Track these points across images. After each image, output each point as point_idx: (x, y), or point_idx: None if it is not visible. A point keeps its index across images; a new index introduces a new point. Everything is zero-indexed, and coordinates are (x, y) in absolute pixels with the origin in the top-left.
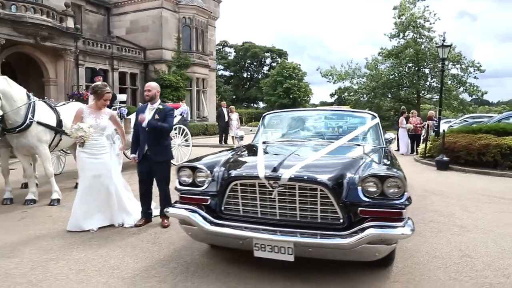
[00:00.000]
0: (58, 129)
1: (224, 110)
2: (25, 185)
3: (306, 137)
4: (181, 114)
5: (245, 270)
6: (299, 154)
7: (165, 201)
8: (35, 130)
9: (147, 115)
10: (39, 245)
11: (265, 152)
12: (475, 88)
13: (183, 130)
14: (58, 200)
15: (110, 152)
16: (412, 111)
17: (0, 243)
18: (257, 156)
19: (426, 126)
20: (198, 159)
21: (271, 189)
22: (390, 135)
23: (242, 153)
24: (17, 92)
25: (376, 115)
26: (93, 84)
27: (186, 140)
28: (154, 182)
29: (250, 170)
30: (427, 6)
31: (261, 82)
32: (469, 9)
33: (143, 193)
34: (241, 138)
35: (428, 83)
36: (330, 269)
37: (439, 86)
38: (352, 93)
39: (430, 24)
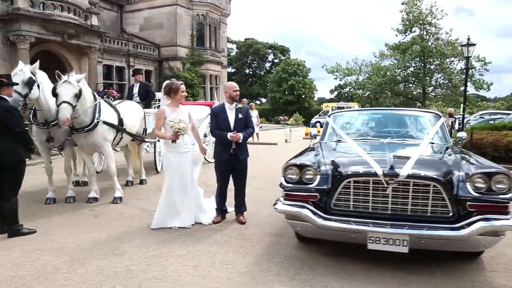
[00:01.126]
0: (120, 128)
1: None
2: (76, 183)
3: (382, 135)
4: None
5: (349, 263)
6: (398, 152)
7: (243, 198)
8: (101, 129)
9: (230, 115)
10: (135, 242)
11: (363, 150)
12: (481, 82)
13: None
14: (120, 198)
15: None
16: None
17: (91, 240)
18: (359, 153)
19: (450, 123)
20: (297, 157)
21: (386, 185)
22: (463, 134)
23: (339, 151)
24: (88, 93)
25: (440, 114)
26: (164, 84)
27: None
28: None
29: (366, 168)
30: (435, 2)
31: (267, 78)
32: (465, 4)
33: (223, 191)
34: (315, 136)
35: (434, 79)
36: (431, 259)
37: (445, 82)
38: (353, 89)
39: (438, 20)
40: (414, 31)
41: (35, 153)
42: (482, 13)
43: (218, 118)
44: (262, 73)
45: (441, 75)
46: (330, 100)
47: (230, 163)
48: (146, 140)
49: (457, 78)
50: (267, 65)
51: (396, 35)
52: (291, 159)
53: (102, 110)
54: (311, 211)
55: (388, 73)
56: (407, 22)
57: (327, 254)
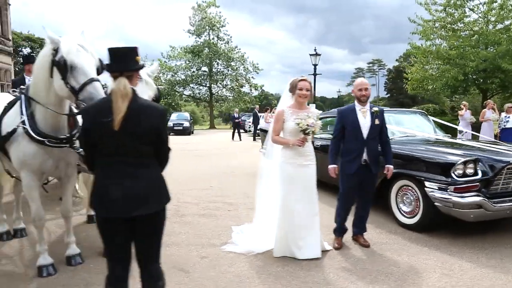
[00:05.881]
0: None
1: None
2: None
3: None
4: None
5: None
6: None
7: (367, 218)
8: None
9: (361, 119)
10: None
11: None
12: (257, 85)
13: None
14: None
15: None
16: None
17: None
18: (480, 147)
19: None
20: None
21: None
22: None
23: (455, 144)
24: None
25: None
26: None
27: None
28: None
29: None
30: (220, 12)
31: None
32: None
33: (347, 210)
34: None
35: (220, 81)
36: None
37: (231, 84)
38: None
39: (222, 26)
40: (206, 35)
41: None
42: None
43: (346, 122)
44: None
45: (229, 77)
46: None
47: (358, 178)
48: None
49: (241, 80)
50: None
51: (189, 37)
52: (456, 157)
53: None
54: (484, 198)
55: (178, 73)
56: (199, 27)
57: None
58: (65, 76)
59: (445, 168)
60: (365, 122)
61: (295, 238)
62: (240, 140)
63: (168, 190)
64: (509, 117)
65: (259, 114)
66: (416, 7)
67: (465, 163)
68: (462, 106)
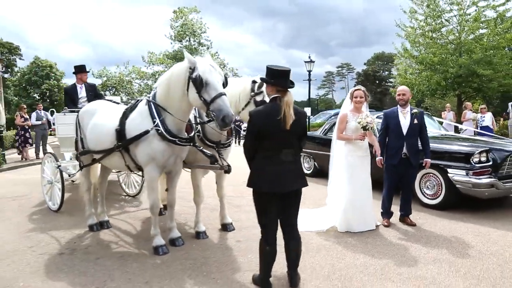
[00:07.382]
0: None
1: None
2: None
3: None
4: None
5: None
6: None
7: (410, 203)
8: None
9: (402, 119)
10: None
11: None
12: None
13: None
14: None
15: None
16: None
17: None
18: (483, 140)
19: None
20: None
21: None
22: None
23: (463, 137)
24: None
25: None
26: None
27: None
28: None
29: None
30: (201, 18)
31: (9, 80)
32: None
33: (390, 196)
34: None
35: None
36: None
37: None
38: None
39: (203, 32)
40: (188, 40)
41: None
42: None
43: (389, 122)
44: None
45: None
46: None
47: (400, 169)
48: None
49: None
50: None
51: (171, 43)
52: (473, 148)
53: None
54: (496, 179)
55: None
56: (181, 32)
57: None
58: (199, 90)
59: (466, 157)
60: (405, 122)
61: (355, 215)
62: (240, 145)
63: None
64: (484, 116)
65: None
66: (380, 12)
67: (480, 152)
68: (446, 108)
